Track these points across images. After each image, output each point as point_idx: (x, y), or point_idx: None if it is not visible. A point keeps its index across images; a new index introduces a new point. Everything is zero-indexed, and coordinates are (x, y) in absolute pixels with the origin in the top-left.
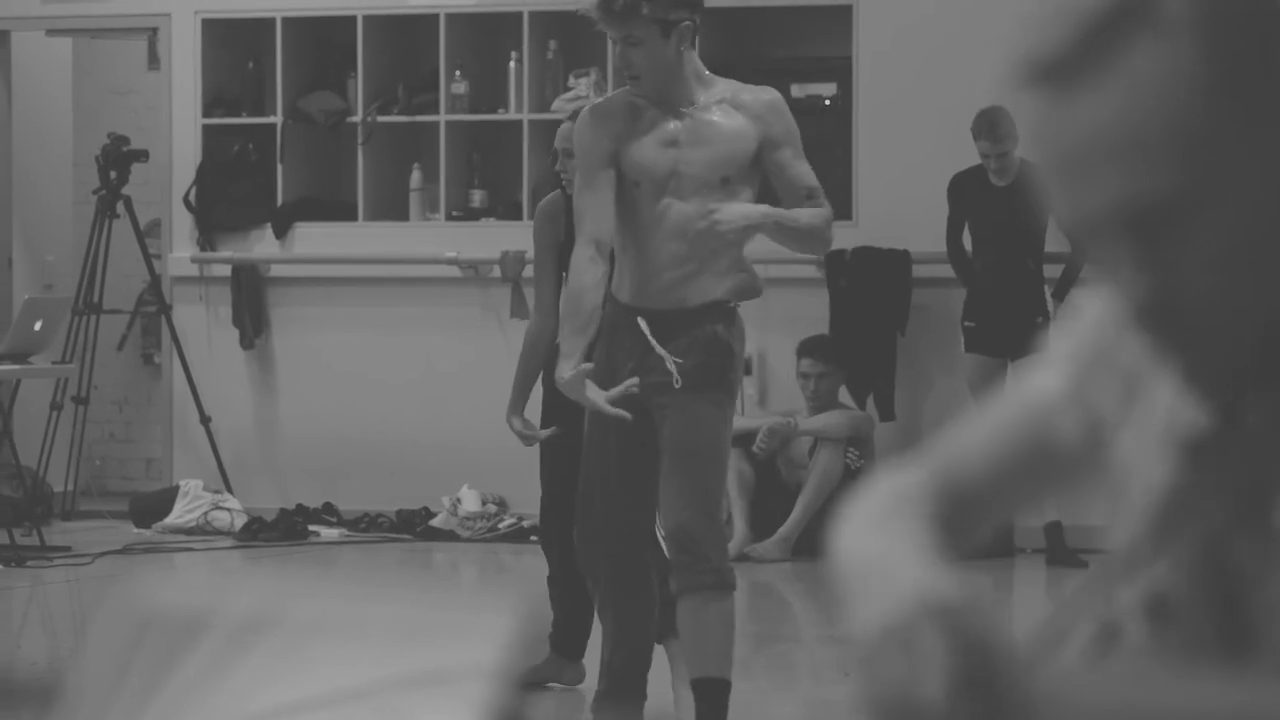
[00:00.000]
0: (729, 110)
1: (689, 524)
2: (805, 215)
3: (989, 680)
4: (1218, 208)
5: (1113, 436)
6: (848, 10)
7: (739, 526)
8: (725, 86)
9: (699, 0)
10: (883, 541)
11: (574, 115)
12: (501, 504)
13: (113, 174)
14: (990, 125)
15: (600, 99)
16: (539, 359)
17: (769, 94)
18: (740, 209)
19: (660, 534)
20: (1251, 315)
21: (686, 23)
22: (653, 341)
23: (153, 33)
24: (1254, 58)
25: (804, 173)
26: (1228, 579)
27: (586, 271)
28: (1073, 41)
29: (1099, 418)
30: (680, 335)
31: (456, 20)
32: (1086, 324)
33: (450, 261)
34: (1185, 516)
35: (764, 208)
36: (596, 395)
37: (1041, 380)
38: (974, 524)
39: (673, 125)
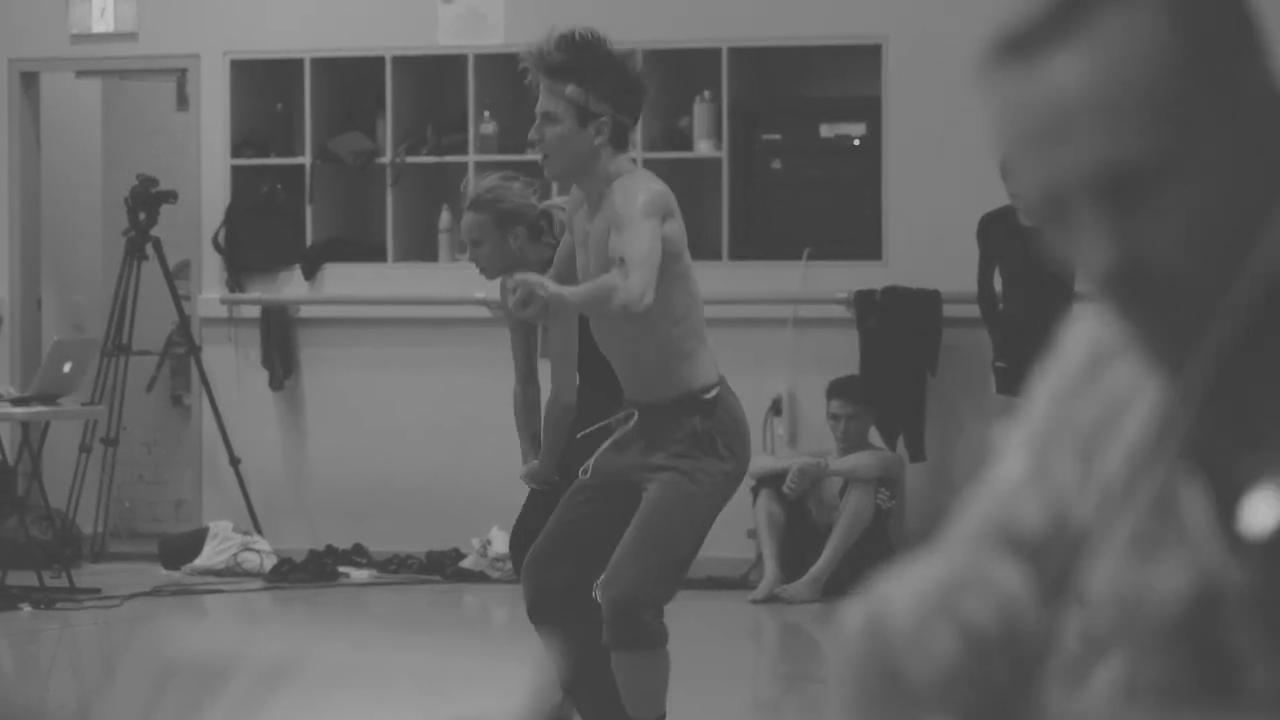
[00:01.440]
0: (609, 204)
1: (629, 589)
2: (584, 288)
3: (992, 674)
4: (1186, 175)
5: (1078, 506)
6: (877, 50)
7: (769, 567)
8: (623, 179)
9: (629, 102)
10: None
11: (473, 204)
12: None
13: (142, 215)
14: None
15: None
16: (556, 425)
17: (625, 180)
18: (548, 291)
19: (596, 588)
20: (1218, 284)
21: (605, 119)
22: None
23: (181, 74)
24: (1222, 26)
25: (621, 243)
26: (1208, 594)
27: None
28: (1044, 10)
29: (1062, 494)
30: (665, 427)
31: (485, 61)
32: (1041, 397)
33: (479, 302)
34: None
35: (555, 290)
36: None
37: (1002, 469)
38: None
39: (590, 226)
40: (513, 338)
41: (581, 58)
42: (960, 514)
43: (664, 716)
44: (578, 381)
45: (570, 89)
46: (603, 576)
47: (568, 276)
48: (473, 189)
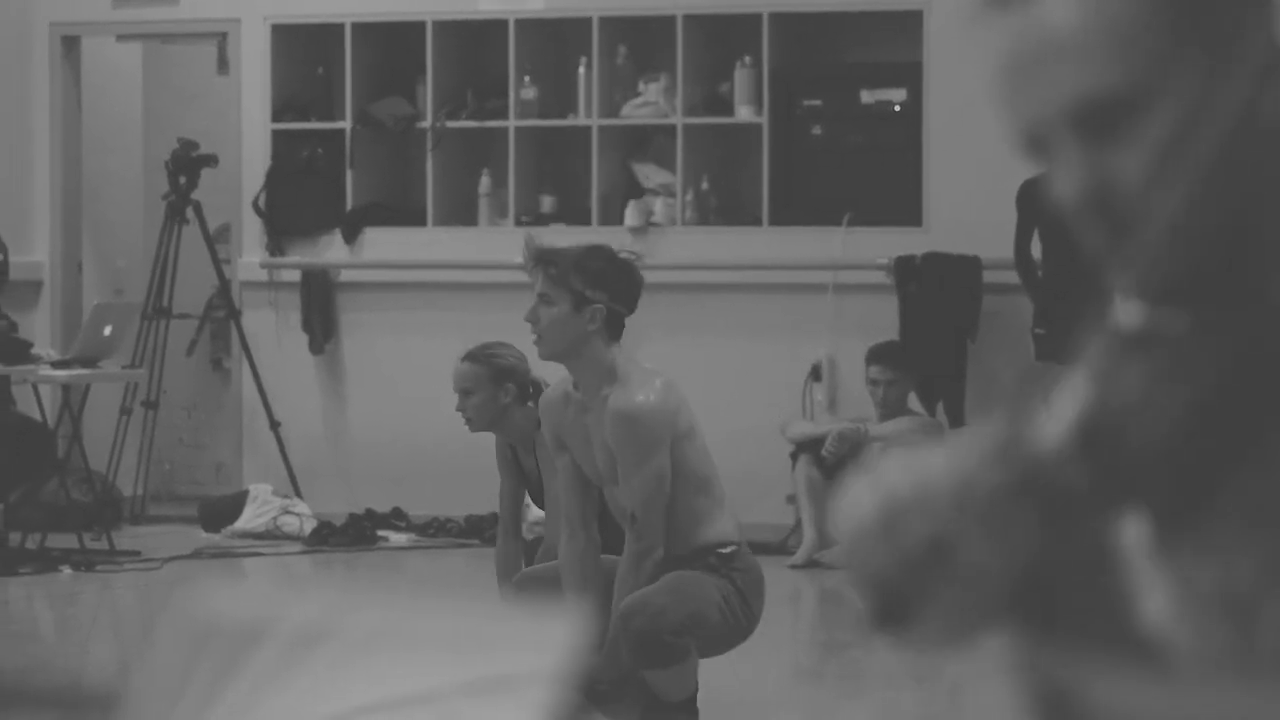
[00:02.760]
0: (604, 419)
1: (653, 620)
2: (623, 588)
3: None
4: (1159, 107)
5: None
6: (918, 15)
7: (808, 532)
8: (616, 401)
9: (624, 290)
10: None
11: (470, 357)
12: None
13: (182, 179)
14: None
15: (550, 388)
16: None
17: (619, 403)
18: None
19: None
20: (1191, 216)
21: (599, 306)
22: None
23: (222, 38)
24: None
25: (629, 492)
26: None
27: (565, 557)
28: None
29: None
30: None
31: (526, 26)
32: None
33: (519, 267)
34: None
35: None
36: None
37: None
38: None
39: (588, 419)
40: (502, 485)
41: (582, 258)
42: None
43: (694, 693)
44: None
45: (568, 273)
46: (625, 605)
47: (582, 492)
48: (483, 346)
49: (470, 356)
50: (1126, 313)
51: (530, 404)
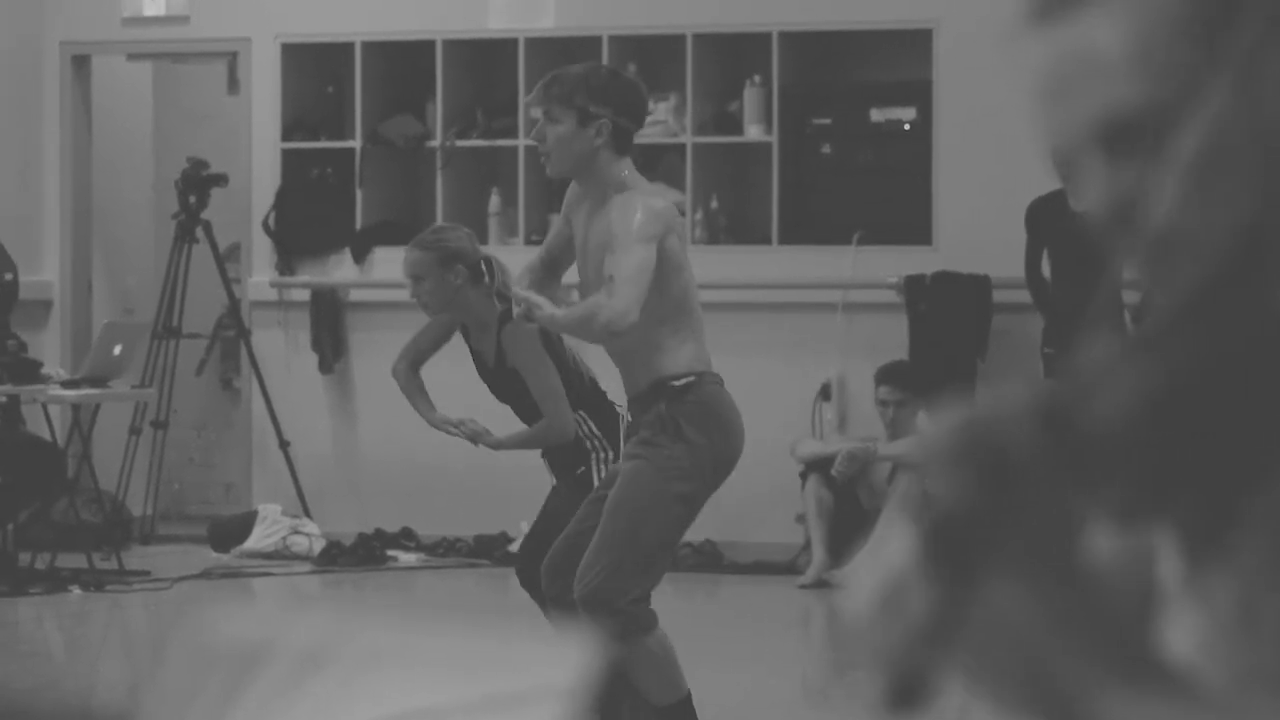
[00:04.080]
0: (607, 217)
1: (595, 583)
2: (574, 311)
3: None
4: (1186, 125)
5: None
6: (927, 34)
7: (818, 552)
8: (623, 195)
9: (628, 106)
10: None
11: (417, 243)
12: None
13: (192, 198)
14: None
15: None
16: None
17: (625, 197)
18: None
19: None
20: (1214, 230)
21: (605, 120)
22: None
23: (233, 57)
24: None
25: (613, 262)
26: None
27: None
28: None
29: None
30: (640, 418)
31: (535, 44)
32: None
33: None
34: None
35: (549, 313)
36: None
37: None
38: None
39: (593, 224)
40: (430, 328)
41: (585, 75)
42: None
43: (687, 697)
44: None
45: (575, 95)
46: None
47: (559, 256)
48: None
49: (417, 243)
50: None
51: (485, 287)
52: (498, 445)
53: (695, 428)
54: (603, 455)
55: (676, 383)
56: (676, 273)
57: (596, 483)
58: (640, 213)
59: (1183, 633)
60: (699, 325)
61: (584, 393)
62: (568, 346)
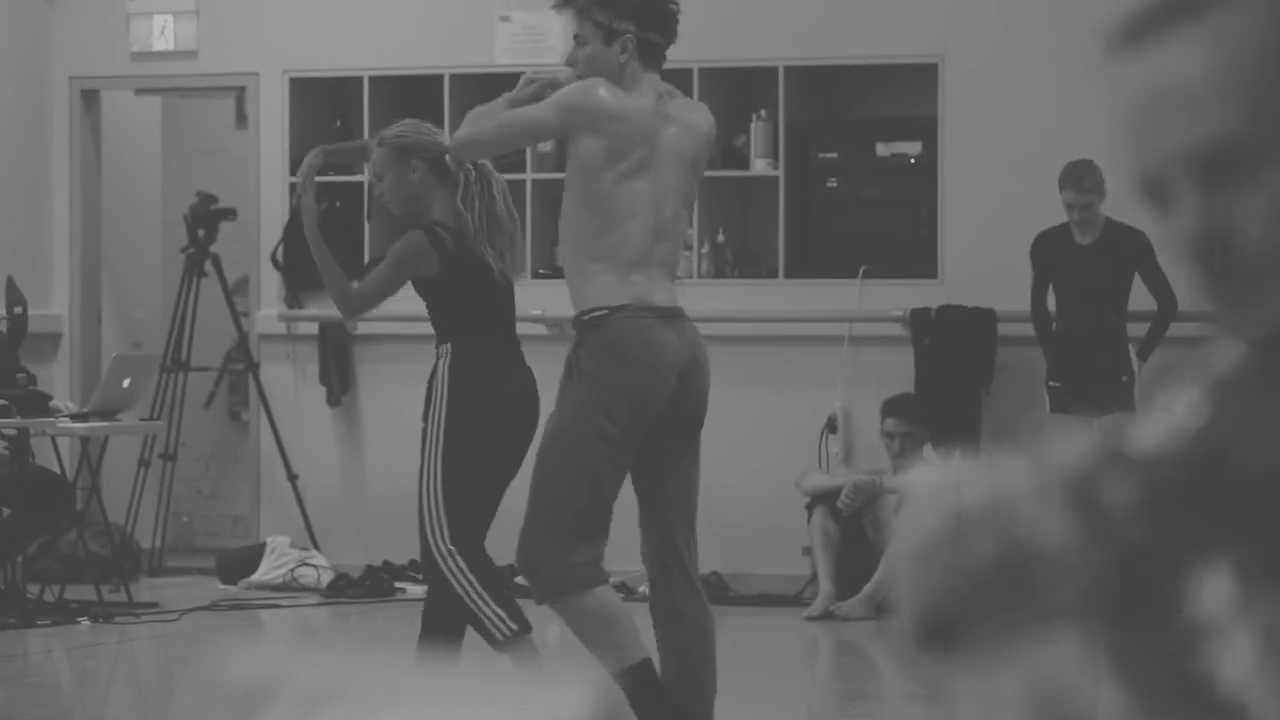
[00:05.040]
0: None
1: (521, 546)
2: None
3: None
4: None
5: None
6: (933, 69)
7: (824, 584)
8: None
9: (653, 17)
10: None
11: (378, 141)
12: None
13: (201, 232)
14: (1076, 176)
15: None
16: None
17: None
18: None
19: None
20: None
21: (629, 35)
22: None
23: (240, 91)
24: None
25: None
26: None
27: None
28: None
29: None
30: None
31: None
32: None
33: (536, 319)
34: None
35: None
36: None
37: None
38: None
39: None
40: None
41: None
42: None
43: (641, 664)
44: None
45: (593, 11)
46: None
47: None
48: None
49: (378, 141)
50: (1228, 354)
51: (475, 195)
52: (306, 210)
53: (594, 363)
54: None
55: (585, 317)
56: (592, 179)
57: None
58: (567, 87)
59: (1235, 660)
60: (628, 254)
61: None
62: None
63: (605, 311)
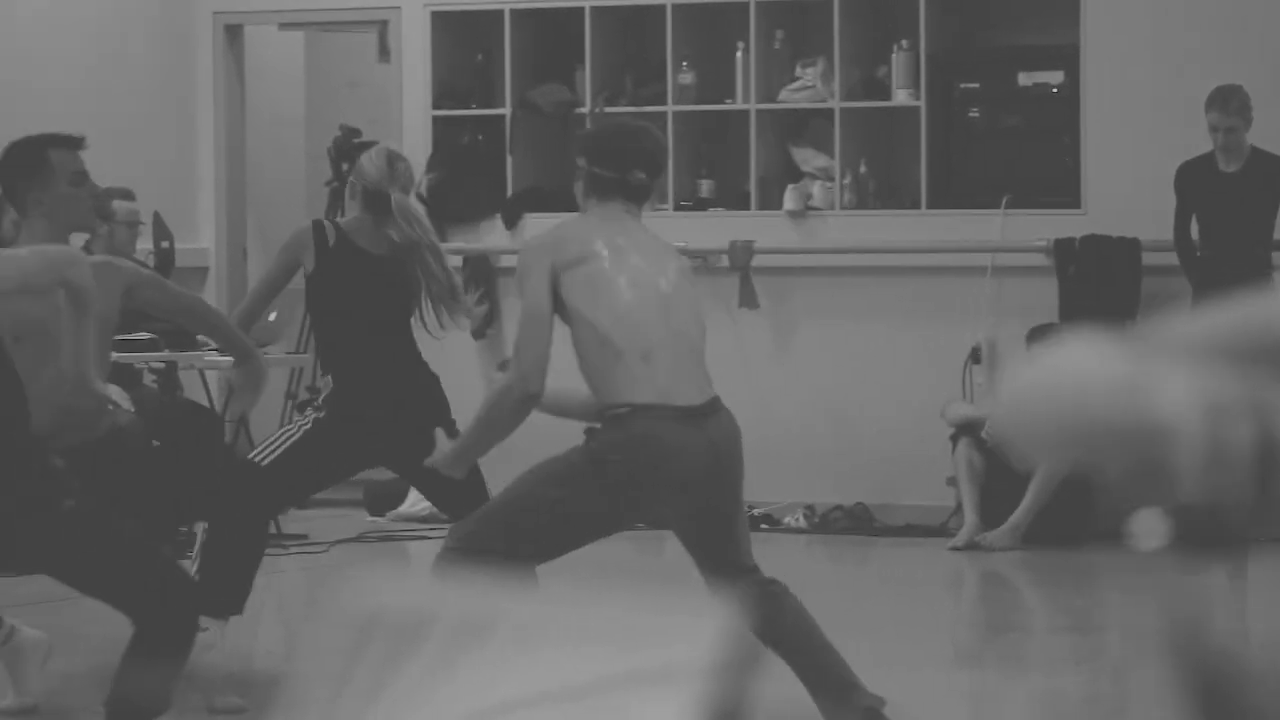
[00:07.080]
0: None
1: (469, 522)
2: (479, 421)
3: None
4: None
5: None
6: None
7: (969, 515)
8: None
9: (603, 155)
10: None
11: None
12: None
13: (345, 166)
14: (1223, 99)
15: None
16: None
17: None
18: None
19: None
20: None
21: (580, 168)
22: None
23: (383, 25)
24: None
25: None
26: None
27: None
28: None
29: None
30: None
31: (683, 11)
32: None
33: (679, 251)
34: None
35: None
36: None
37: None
38: None
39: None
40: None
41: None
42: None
43: None
44: None
45: (576, 152)
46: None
47: None
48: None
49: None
50: None
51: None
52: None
53: (622, 460)
54: None
55: (608, 413)
56: (583, 304)
57: None
58: (519, 268)
59: None
60: (633, 347)
61: None
62: None
63: (626, 409)
